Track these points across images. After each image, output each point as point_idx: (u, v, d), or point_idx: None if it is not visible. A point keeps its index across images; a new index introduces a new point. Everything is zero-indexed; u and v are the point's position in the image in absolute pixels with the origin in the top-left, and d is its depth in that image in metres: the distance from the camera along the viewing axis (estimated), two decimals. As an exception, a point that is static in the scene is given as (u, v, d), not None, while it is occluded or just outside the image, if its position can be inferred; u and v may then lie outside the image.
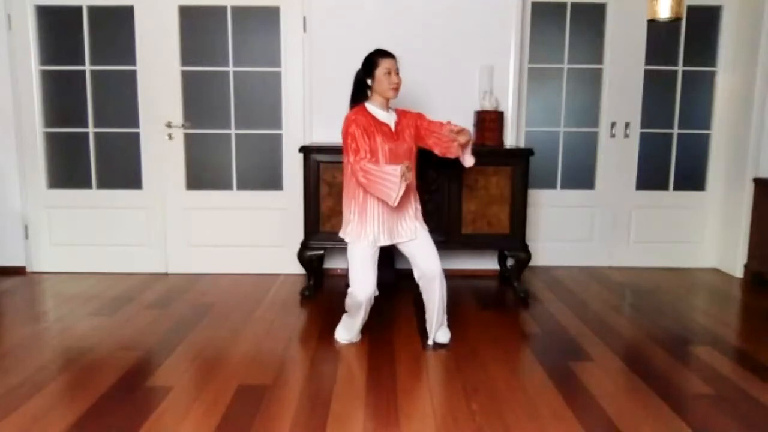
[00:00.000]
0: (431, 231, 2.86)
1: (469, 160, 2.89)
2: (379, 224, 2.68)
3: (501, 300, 3.65)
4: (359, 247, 2.69)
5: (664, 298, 3.70)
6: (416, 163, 2.85)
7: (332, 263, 4.12)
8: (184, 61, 3.99)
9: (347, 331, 2.88)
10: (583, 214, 4.37)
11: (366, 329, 3.01)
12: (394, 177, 2.48)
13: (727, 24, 4.19)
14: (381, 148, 2.66)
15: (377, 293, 2.73)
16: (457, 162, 3.46)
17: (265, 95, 4.05)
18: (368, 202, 2.68)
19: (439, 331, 2.85)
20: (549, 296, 3.68)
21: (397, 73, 2.73)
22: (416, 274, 2.78)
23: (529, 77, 4.19)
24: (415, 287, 2.81)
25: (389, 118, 2.75)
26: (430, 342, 2.85)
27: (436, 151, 2.85)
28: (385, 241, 2.71)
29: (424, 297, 2.81)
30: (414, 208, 2.80)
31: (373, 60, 2.72)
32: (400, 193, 2.49)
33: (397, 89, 2.73)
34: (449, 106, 3.88)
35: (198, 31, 3.98)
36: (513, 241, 3.61)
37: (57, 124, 4.07)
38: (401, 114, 2.82)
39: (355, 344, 2.87)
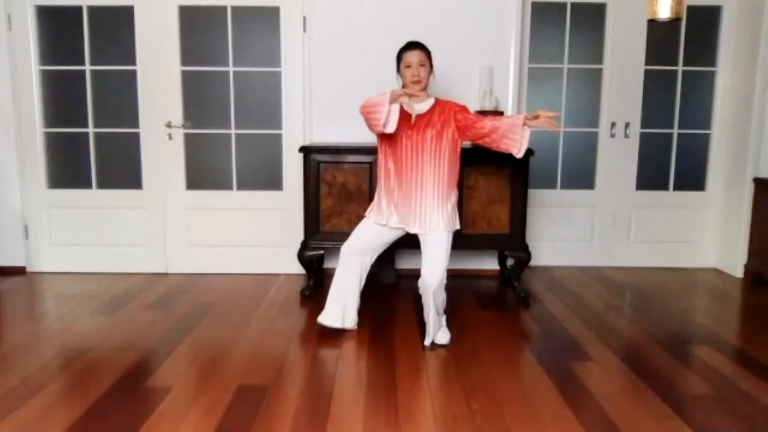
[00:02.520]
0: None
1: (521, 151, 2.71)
2: (387, 205, 2.77)
3: (501, 300, 3.65)
4: (366, 220, 2.88)
5: (664, 298, 3.70)
6: (458, 157, 2.79)
7: (332, 263, 4.10)
8: (184, 61, 3.99)
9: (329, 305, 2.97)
10: (583, 214, 4.37)
11: (366, 329, 3.01)
12: (381, 98, 2.49)
13: (727, 24, 4.19)
14: (399, 134, 2.68)
15: (366, 263, 2.90)
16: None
17: (265, 95, 4.05)
18: (381, 183, 2.79)
19: (438, 332, 2.85)
20: (549, 296, 3.68)
21: (422, 65, 2.70)
22: (420, 280, 2.73)
23: (529, 77, 4.19)
24: (416, 287, 2.80)
25: (421, 107, 2.72)
26: (426, 343, 2.83)
27: (479, 143, 2.79)
28: (382, 222, 2.79)
29: (423, 301, 2.78)
30: (437, 200, 2.69)
31: (398, 55, 2.79)
32: (391, 116, 2.48)
33: (417, 82, 2.69)
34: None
35: (198, 31, 3.98)
36: (513, 241, 3.61)
37: (57, 124, 4.07)
38: (440, 104, 2.77)
39: (355, 344, 2.86)
